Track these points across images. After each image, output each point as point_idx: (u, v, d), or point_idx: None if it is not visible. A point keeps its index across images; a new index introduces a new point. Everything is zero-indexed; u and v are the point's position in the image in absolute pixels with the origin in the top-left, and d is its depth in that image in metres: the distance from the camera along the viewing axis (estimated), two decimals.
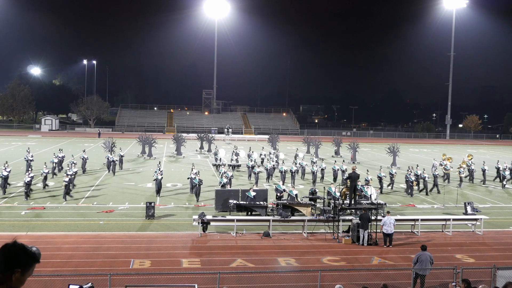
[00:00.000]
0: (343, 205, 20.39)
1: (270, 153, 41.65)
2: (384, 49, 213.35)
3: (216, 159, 37.49)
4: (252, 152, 38.77)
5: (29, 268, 2.91)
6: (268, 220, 19.76)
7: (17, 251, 2.88)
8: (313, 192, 24.38)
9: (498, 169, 35.49)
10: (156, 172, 26.29)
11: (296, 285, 14.35)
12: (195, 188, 25.94)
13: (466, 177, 34.77)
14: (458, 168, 34.56)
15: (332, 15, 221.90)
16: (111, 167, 34.10)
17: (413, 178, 29.10)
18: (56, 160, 32.66)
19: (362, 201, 21.70)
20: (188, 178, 27.21)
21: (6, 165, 26.75)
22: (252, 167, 31.91)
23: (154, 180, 26.50)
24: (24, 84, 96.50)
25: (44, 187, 27.10)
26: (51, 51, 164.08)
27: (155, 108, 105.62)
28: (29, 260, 2.91)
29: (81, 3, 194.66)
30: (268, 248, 18.00)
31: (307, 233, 19.72)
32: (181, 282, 13.41)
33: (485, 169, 34.74)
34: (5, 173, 25.63)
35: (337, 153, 49.94)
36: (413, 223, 21.00)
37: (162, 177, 26.44)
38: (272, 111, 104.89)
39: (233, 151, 40.06)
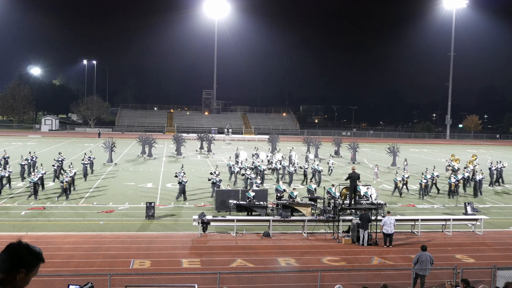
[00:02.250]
0: (343, 205, 20.39)
1: (291, 156, 41.15)
2: (384, 49, 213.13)
3: (237, 162, 37.22)
4: (273, 154, 38.95)
5: (33, 268, 2.90)
6: (268, 220, 19.77)
7: (22, 251, 2.87)
8: (310, 190, 24.44)
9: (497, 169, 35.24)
10: (179, 175, 26.09)
11: (296, 285, 14.35)
12: (215, 186, 25.74)
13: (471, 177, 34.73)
14: (465, 167, 34.60)
15: (332, 15, 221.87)
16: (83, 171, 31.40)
17: (458, 177, 28.89)
18: (23, 163, 30.55)
19: (362, 201, 21.71)
20: (209, 180, 26.68)
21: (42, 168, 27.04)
22: (274, 169, 32.36)
23: (178, 183, 25.96)
24: (24, 84, 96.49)
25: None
26: (51, 51, 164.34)
27: (155, 108, 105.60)
28: (34, 260, 2.90)
29: (81, 3, 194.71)
30: (268, 248, 18.01)
31: (307, 233, 19.72)
32: (181, 282, 13.42)
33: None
34: (37, 177, 25.06)
35: (337, 153, 49.95)
36: (413, 223, 21.01)
37: (187, 181, 26.22)
38: (272, 111, 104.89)
39: (253, 153, 39.77)
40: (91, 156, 33.76)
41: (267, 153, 39.33)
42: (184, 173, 26.61)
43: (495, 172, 34.23)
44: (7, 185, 26.77)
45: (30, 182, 24.99)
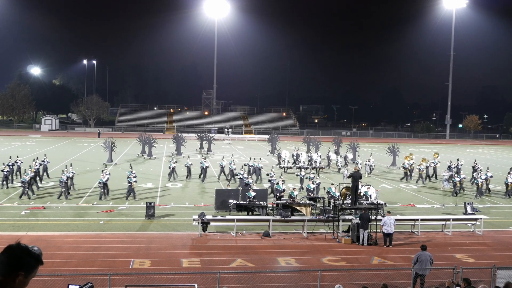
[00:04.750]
0: (343, 205, 20.38)
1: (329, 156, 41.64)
2: (384, 49, 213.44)
3: (282, 161, 38.02)
4: (315, 153, 39.86)
5: (32, 271, 2.86)
6: (268, 220, 19.77)
7: (21, 253, 2.82)
8: (308, 189, 24.55)
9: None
10: (242, 176, 26.68)
11: (296, 285, 14.36)
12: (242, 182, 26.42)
13: (431, 175, 35.21)
14: (419, 165, 34.91)
15: (331, 15, 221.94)
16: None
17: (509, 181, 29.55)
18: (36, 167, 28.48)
19: (362, 201, 21.71)
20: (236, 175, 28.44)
21: (71, 167, 26.99)
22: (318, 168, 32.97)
23: (246, 184, 25.93)
24: (24, 84, 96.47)
25: None
26: (51, 51, 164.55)
27: (155, 108, 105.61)
28: (33, 263, 2.86)
29: (81, 3, 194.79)
30: (268, 248, 18.01)
31: (307, 233, 19.72)
32: (181, 282, 13.43)
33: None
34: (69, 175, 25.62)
35: (337, 153, 49.89)
36: (413, 223, 21.00)
37: (252, 181, 26.56)
38: (272, 111, 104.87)
39: (294, 153, 40.78)
40: (45, 160, 31.06)
41: (307, 153, 40.37)
42: (249, 174, 27.34)
43: (454, 170, 34.62)
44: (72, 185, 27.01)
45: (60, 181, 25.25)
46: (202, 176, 31.80)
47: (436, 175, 35.62)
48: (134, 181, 25.39)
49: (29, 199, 24.41)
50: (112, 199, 25.42)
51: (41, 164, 30.20)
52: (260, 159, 36.01)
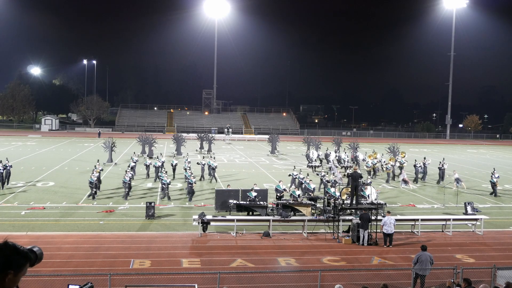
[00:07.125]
0: (343, 205, 20.38)
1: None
2: (384, 49, 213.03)
3: (311, 160, 39.04)
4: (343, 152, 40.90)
5: (22, 269, 2.84)
6: (268, 220, 19.76)
7: (9, 252, 2.80)
8: (308, 189, 24.67)
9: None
10: (298, 176, 27.17)
11: (296, 285, 14.35)
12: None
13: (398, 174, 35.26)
14: (386, 164, 34.88)
15: (331, 15, 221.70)
16: None
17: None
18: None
19: (362, 201, 21.70)
20: (289, 175, 29.23)
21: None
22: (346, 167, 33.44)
23: (302, 185, 26.44)
24: (24, 84, 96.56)
25: None
26: (51, 51, 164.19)
27: (155, 108, 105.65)
28: (22, 260, 2.84)
29: (81, 3, 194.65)
30: (268, 248, 18.01)
31: (307, 233, 19.72)
32: (181, 282, 13.43)
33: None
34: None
35: (336, 152, 49.82)
36: (413, 223, 21.01)
37: (314, 187, 26.59)
38: (272, 111, 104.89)
39: (325, 153, 41.94)
40: (7, 164, 28.23)
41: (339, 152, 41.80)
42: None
43: (419, 169, 34.77)
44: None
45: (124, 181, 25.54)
46: (155, 176, 31.97)
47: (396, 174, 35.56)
48: (195, 182, 25.61)
49: (93, 199, 24.86)
50: (112, 198, 25.41)
51: (5, 168, 27.72)
52: (215, 158, 35.83)
